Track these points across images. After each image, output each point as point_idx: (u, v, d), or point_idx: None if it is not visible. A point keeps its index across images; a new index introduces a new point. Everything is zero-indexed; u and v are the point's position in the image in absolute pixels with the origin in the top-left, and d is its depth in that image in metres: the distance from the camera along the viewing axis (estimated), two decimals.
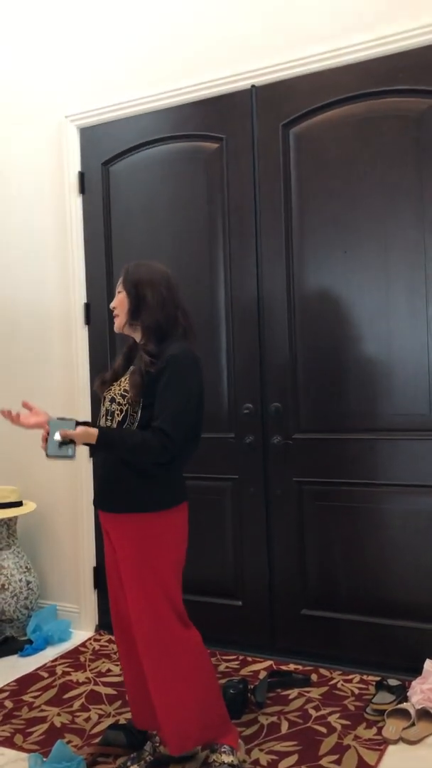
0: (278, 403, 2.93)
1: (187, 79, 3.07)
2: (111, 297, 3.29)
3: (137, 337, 2.18)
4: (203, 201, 3.08)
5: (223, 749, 2.10)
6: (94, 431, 1.99)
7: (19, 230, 3.54)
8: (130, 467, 2.05)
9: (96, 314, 3.35)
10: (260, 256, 2.96)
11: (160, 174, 3.17)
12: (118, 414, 2.08)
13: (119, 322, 2.18)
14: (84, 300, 3.37)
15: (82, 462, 3.35)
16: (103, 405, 2.17)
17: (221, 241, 3.04)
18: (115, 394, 2.13)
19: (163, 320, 2.10)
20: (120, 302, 2.17)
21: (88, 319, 3.37)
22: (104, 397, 2.18)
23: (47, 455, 1.98)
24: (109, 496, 2.10)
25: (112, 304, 2.20)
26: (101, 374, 2.27)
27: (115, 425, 2.08)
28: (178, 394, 2.02)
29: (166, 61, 3.13)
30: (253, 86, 2.95)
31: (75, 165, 3.37)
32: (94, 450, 2.10)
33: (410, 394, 2.72)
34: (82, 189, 3.36)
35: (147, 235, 3.20)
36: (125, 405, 2.07)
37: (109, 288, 3.32)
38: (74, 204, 3.36)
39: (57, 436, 1.95)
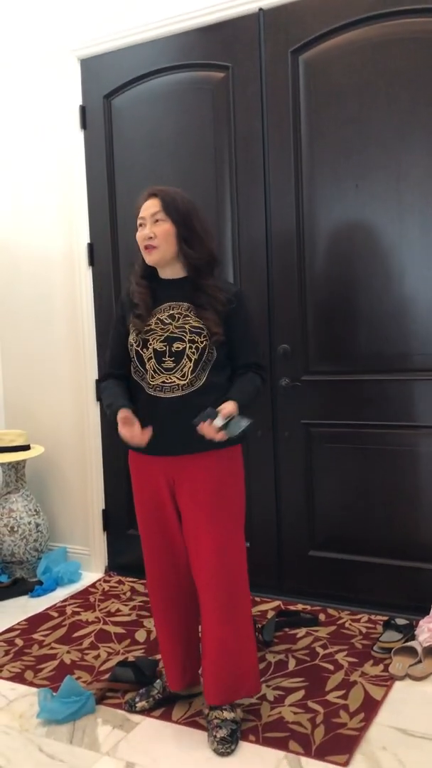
0: (286, 345, 2.87)
1: (191, 3, 2.91)
2: (115, 237, 3.23)
3: (176, 270, 2.04)
4: (209, 134, 2.96)
5: (224, 707, 2.05)
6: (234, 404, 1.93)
7: (18, 169, 3.43)
8: (219, 402, 1.96)
9: (100, 255, 3.27)
10: (269, 191, 2.85)
11: (164, 106, 3.05)
12: (192, 353, 1.97)
13: (160, 255, 1.99)
14: (87, 240, 3.28)
15: (89, 405, 3.33)
16: (150, 345, 1.99)
17: (228, 175, 2.93)
18: (176, 331, 1.98)
19: (214, 253, 2.08)
20: (165, 233, 1.97)
21: (92, 260, 3.29)
22: (147, 335, 2.00)
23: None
24: (191, 437, 1.93)
25: (147, 233, 1.98)
26: (135, 307, 2.05)
27: (191, 364, 1.97)
28: (253, 329, 2.13)
29: None
30: (260, 9, 2.80)
31: (76, 98, 3.24)
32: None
33: (423, 333, 2.64)
34: (84, 124, 3.24)
35: (151, 170, 3.09)
36: (203, 342, 1.97)
37: (113, 228, 3.23)
38: (76, 139, 3.25)
39: (219, 421, 1.88)
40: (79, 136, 3.25)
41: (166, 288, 2.06)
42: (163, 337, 1.99)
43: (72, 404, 3.40)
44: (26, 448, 3.34)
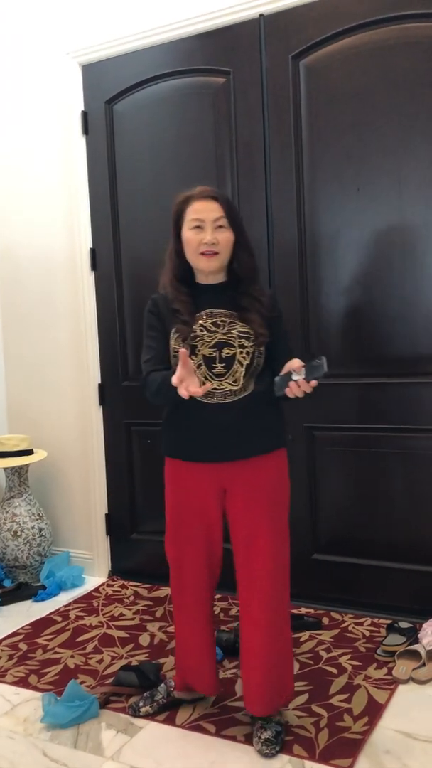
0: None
1: (192, 9, 2.93)
2: (117, 242, 3.24)
3: (218, 276, 2.02)
4: (211, 138, 2.97)
5: None
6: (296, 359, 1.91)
7: (20, 175, 3.44)
8: (269, 406, 2.02)
9: (102, 260, 3.28)
10: (270, 195, 2.86)
11: (166, 111, 3.06)
12: (243, 357, 1.95)
13: (220, 262, 1.97)
14: (89, 245, 3.29)
15: (92, 409, 3.33)
16: (199, 352, 1.94)
17: (230, 179, 2.94)
18: (224, 338, 1.94)
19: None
20: (227, 240, 1.95)
21: (95, 265, 3.30)
22: (194, 341, 1.95)
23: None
24: (251, 439, 1.98)
25: (210, 239, 1.92)
26: (177, 313, 1.98)
27: (242, 369, 1.95)
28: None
29: None
30: (261, 15, 2.81)
31: (78, 104, 3.25)
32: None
33: (425, 336, 2.65)
34: (86, 129, 3.25)
35: (153, 175, 3.10)
36: (251, 347, 1.96)
37: (115, 233, 3.24)
38: (78, 145, 3.26)
39: (299, 375, 1.83)
40: (80, 142, 3.26)
41: (204, 293, 2.01)
42: (212, 344, 1.95)
43: (75, 409, 3.41)
44: (29, 452, 3.35)
